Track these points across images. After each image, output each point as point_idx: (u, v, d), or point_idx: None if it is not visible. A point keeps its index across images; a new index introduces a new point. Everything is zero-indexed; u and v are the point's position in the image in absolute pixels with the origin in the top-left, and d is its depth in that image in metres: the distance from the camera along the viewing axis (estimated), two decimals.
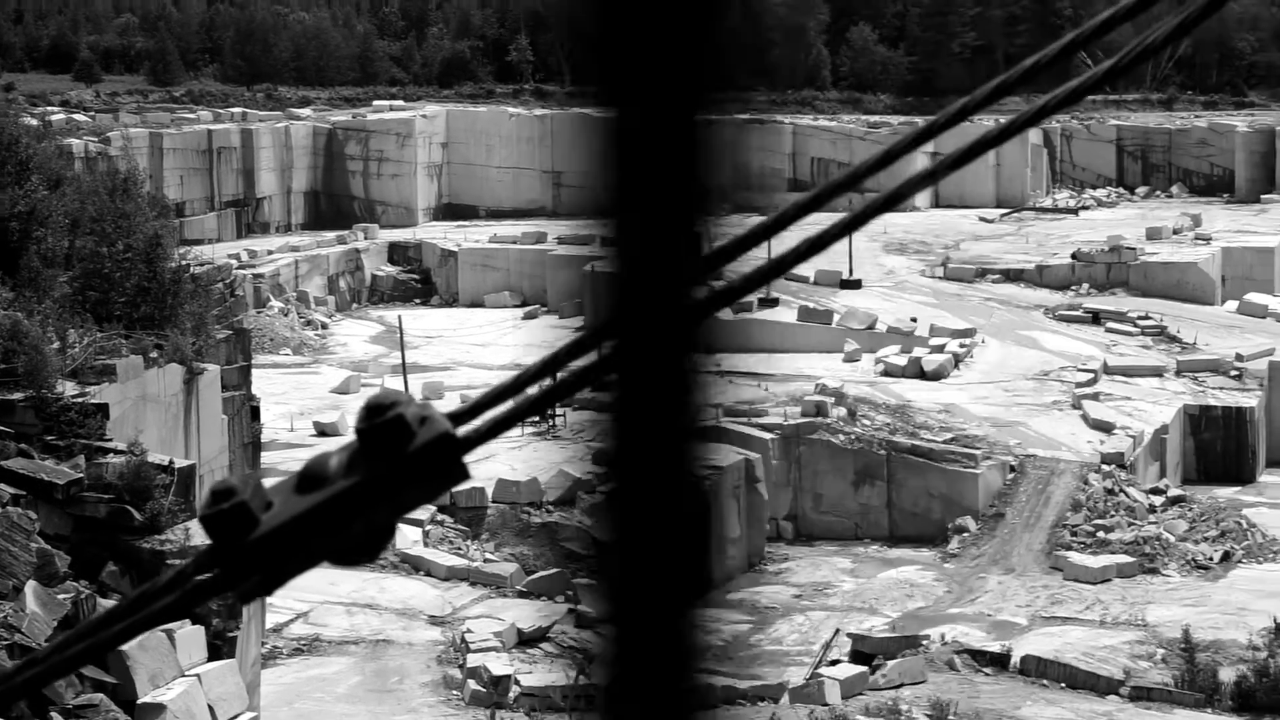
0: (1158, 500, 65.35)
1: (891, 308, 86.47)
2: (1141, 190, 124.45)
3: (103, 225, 42.47)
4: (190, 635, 30.24)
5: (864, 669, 48.23)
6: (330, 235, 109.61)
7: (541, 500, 58.31)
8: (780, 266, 1.90)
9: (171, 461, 33.82)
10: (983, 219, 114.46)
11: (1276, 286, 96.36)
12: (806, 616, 57.59)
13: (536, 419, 67.93)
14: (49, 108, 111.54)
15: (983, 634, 52.68)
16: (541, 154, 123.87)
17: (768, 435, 67.21)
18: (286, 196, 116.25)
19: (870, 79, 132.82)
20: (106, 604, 28.32)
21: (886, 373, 76.33)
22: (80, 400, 34.16)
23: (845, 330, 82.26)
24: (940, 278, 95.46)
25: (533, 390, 1.98)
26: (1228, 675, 47.44)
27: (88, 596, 28.96)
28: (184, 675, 29.92)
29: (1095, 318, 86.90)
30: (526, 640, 49.17)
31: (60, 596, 28.50)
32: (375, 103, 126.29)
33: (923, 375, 75.74)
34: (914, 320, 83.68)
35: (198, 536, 28.78)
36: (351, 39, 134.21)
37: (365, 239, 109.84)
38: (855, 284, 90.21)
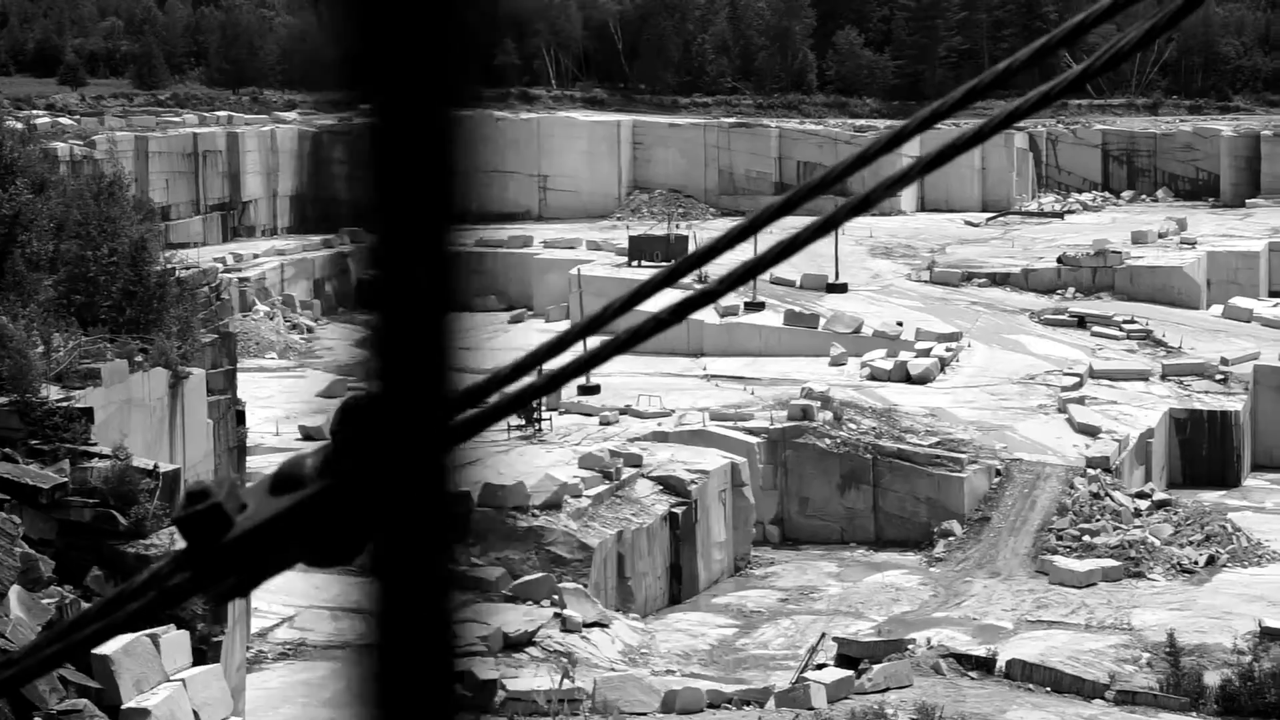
0: (1143, 504, 65.44)
1: (877, 311, 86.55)
2: (1127, 194, 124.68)
3: (88, 229, 42.40)
4: (175, 640, 30.18)
5: (850, 673, 48.22)
6: (316, 239, 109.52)
7: (527, 504, 58.26)
8: (754, 269, 1.91)
9: (157, 466, 33.75)
10: (969, 223, 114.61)
11: (1261, 290, 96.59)
12: (792, 620, 57.61)
13: (523, 423, 67.88)
14: (34, 111, 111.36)
15: (968, 638, 52.72)
16: (527, 158, 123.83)
17: (754, 439, 67.25)
18: (272, 200, 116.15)
19: (856, 83, 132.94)
20: None
21: (872, 376, 76.40)
22: (65, 404, 34.10)
23: (831, 334, 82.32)
24: (926, 281, 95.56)
25: (507, 391, 1.99)
26: (1213, 679, 47.47)
27: (72, 601, 28.90)
28: (169, 680, 29.85)
29: (1081, 321, 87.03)
30: (512, 645, 49.11)
31: (45, 601, 28.44)
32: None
33: (909, 379, 75.82)
34: (900, 324, 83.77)
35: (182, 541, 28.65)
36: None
37: (351, 243, 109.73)
38: (841, 288, 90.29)
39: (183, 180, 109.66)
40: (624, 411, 70.26)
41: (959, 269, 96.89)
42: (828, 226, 1.84)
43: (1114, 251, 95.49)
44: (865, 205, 1.89)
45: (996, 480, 65.97)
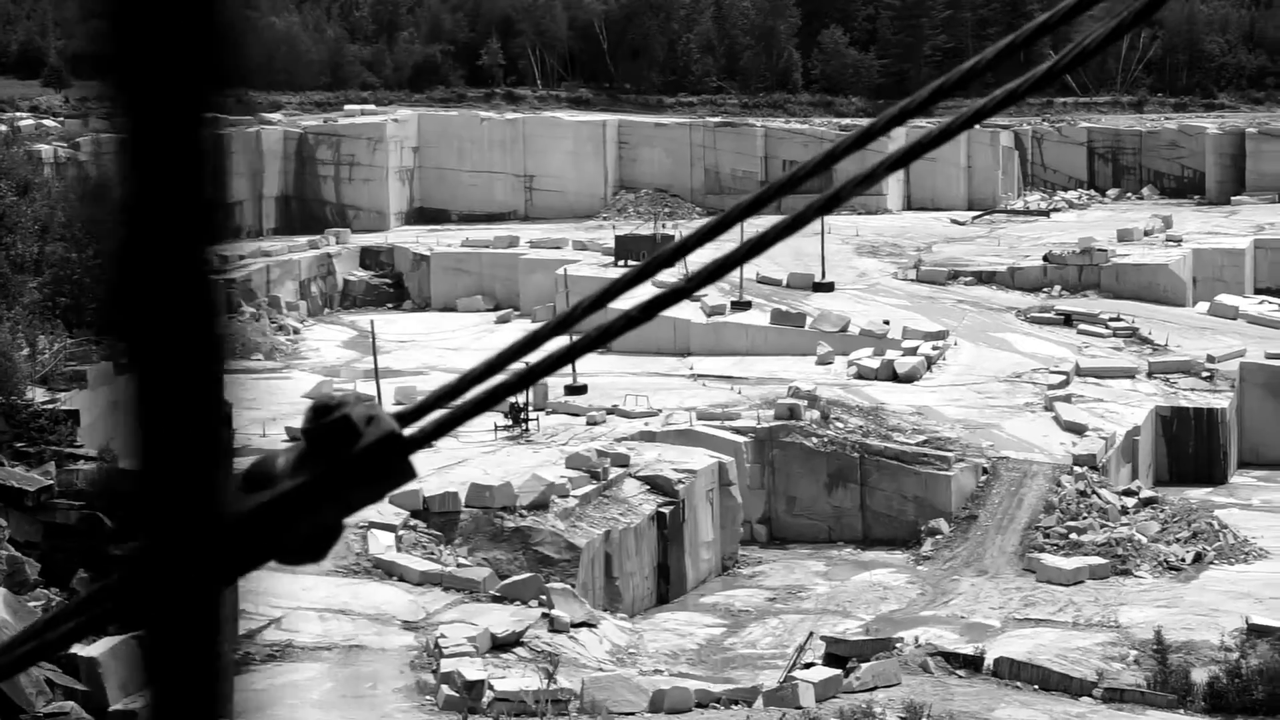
0: (1130, 502, 65.52)
1: (864, 310, 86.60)
2: (1113, 192, 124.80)
3: (73, 231, 42.34)
4: None
5: (838, 672, 48.26)
6: (302, 240, 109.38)
7: (515, 505, 58.24)
8: (722, 267, 1.92)
9: None
10: (955, 221, 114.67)
11: (1247, 288, 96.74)
12: (780, 620, 57.64)
13: (510, 423, 67.86)
14: (17, 113, 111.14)
15: (956, 636, 52.76)
16: (513, 158, 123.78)
17: (741, 438, 67.29)
18: (258, 201, 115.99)
19: (842, 82, 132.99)
20: None
21: (859, 375, 76.45)
22: (50, 407, 34.06)
23: (818, 333, 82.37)
24: (913, 280, 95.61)
25: (477, 390, 2.00)
26: (1200, 676, 47.56)
27: (58, 603, 28.86)
28: None
29: (1067, 320, 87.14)
30: (500, 645, 49.08)
31: (30, 604, 28.39)
32: (346, 107, 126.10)
33: (895, 378, 75.88)
34: (887, 323, 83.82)
35: None
36: (322, 43, 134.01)
37: (337, 244, 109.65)
38: (828, 287, 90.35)
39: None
40: (611, 411, 70.26)
41: (945, 267, 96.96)
42: (796, 224, 1.85)
43: (1100, 249, 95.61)
44: (834, 203, 1.90)
45: (983, 478, 66.04)
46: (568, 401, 71.76)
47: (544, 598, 52.51)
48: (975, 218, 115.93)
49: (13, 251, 40.24)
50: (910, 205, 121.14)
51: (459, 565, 55.94)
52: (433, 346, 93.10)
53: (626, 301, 2.09)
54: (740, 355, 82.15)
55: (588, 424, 68.85)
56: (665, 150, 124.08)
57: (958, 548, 63.02)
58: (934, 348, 79.76)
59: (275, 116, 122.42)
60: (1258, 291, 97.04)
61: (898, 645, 50.93)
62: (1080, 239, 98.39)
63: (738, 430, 67.85)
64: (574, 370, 73.94)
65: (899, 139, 1.93)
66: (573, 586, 54.36)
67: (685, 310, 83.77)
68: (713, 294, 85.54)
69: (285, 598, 51.58)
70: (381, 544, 55.96)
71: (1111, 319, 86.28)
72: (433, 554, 56.55)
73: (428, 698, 45.87)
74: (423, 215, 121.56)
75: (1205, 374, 78.12)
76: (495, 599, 53.09)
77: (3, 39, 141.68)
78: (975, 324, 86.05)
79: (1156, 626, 50.62)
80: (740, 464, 65.89)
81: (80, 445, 33.92)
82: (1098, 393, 74.96)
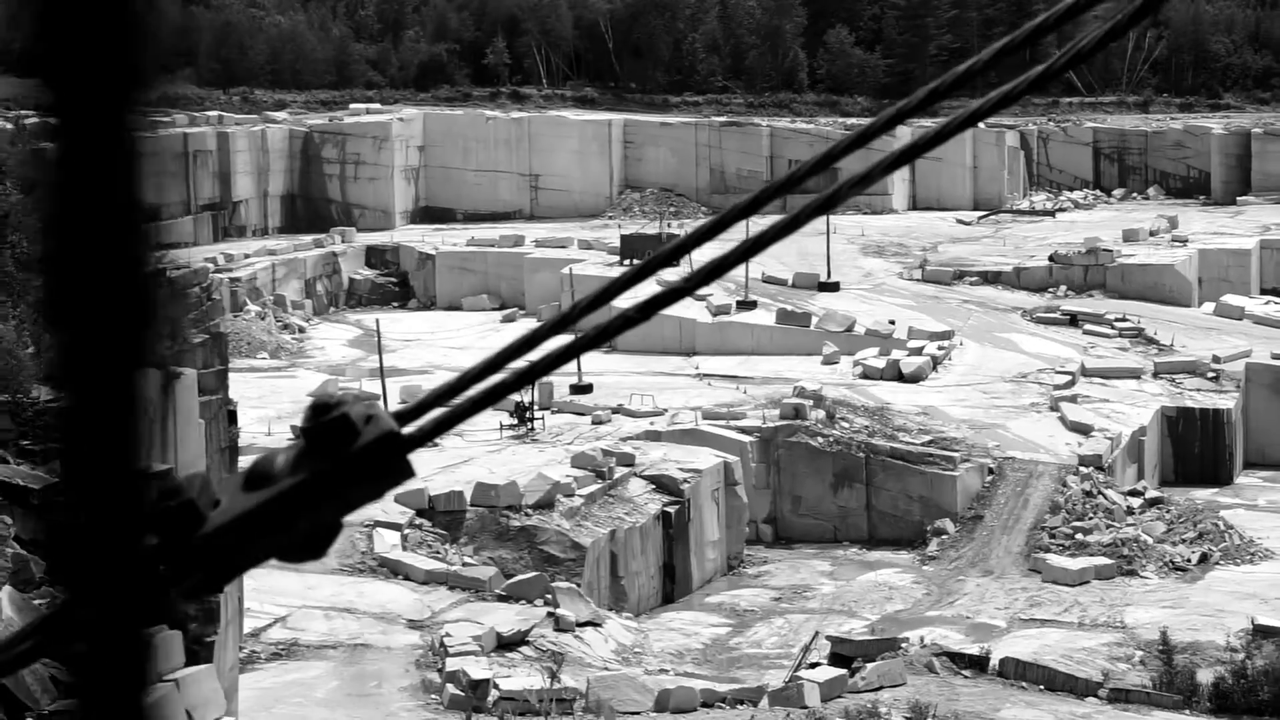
0: (1136, 502, 65.49)
1: (870, 310, 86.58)
2: (1118, 192, 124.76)
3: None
4: (168, 640, 30.17)
5: (843, 672, 48.27)
6: (307, 239, 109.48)
7: (520, 504, 58.26)
8: (719, 268, 1.93)
9: (149, 467, 33.68)
10: (960, 221, 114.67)
11: (1253, 288, 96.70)
12: (786, 619, 57.64)
13: (515, 422, 67.89)
14: (23, 111, 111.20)
15: (961, 636, 52.77)
16: (519, 157, 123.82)
17: (746, 438, 67.29)
18: (263, 200, 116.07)
19: (847, 81, 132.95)
20: None
21: (865, 375, 76.44)
22: (56, 405, 34.04)
23: (823, 333, 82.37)
24: (918, 280, 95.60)
25: (475, 390, 2.01)
26: (1205, 677, 47.55)
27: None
28: (161, 680, 29.86)
29: (1073, 320, 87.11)
30: (505, 644, 49.09)
31: (36, 602, 28.43)
32: (352, 106, 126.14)
33: (901, 377, 75.85)
34: (892, 322, 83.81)
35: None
36: (327, 42, 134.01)
37: (342, 242, 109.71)
38: (833, 286, 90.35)
39: (173, 180, 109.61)
40: (616, 411, 70.28)
41: (951, 267, 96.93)
42: (793, 225, 1.86)
43: (1105, 249, 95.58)
44: (830, 204, 1.91)
45: (989, 479, 66.01)
46: (573, 401, 71.80)
47: (549, 597, 52.52)
48: (981, 218, 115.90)
49: (18, 250, 40.27)
50: (916, 205, 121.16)
51: (464, 564, 55.96)
52: (438, 345, 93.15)
53: (626, 301, 2.10)
54: (746, 355, 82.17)
55: (593, 423, 68.87)
56: (670, 150, 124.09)
57: (963, 548, 63.01)
58: (939, 348, 79.74)
59: (281, 115, 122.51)
60: (1263, 292, 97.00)
61: (903, 645, 50.94)
62: (1086, 239, 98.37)
63: (743, 430, 67.85)
64: (579, 370, 73.97)
65: (904, 139, 1.94)
66: (578, 586, 54.37)
67: (691, 310, 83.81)
68: (718, 294, 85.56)
69: (291, 596, 51.64)
70: (387, 543, 56.00)
71: (1117, 319, 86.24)
72: (438, 553, 56.58)
73: (433, 696, 45.89)
74: (428, 214, 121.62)
75: (1211, 374, 78.08)
76: (500, 598, 53.12)
77: (6, 37, 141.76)
78: (980, 324, 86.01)
79: (1162, 627, 50.60)
80: (745, 463, 65.89)
81: None
82: (1103, 393, 74.93)
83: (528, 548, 57.03)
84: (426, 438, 1.96)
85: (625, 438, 65.97)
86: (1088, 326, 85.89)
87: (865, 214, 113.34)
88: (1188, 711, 46.65)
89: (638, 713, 45.36)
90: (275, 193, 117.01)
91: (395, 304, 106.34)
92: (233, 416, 48.69)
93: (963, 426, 69.40)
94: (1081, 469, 66.31)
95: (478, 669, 46.40)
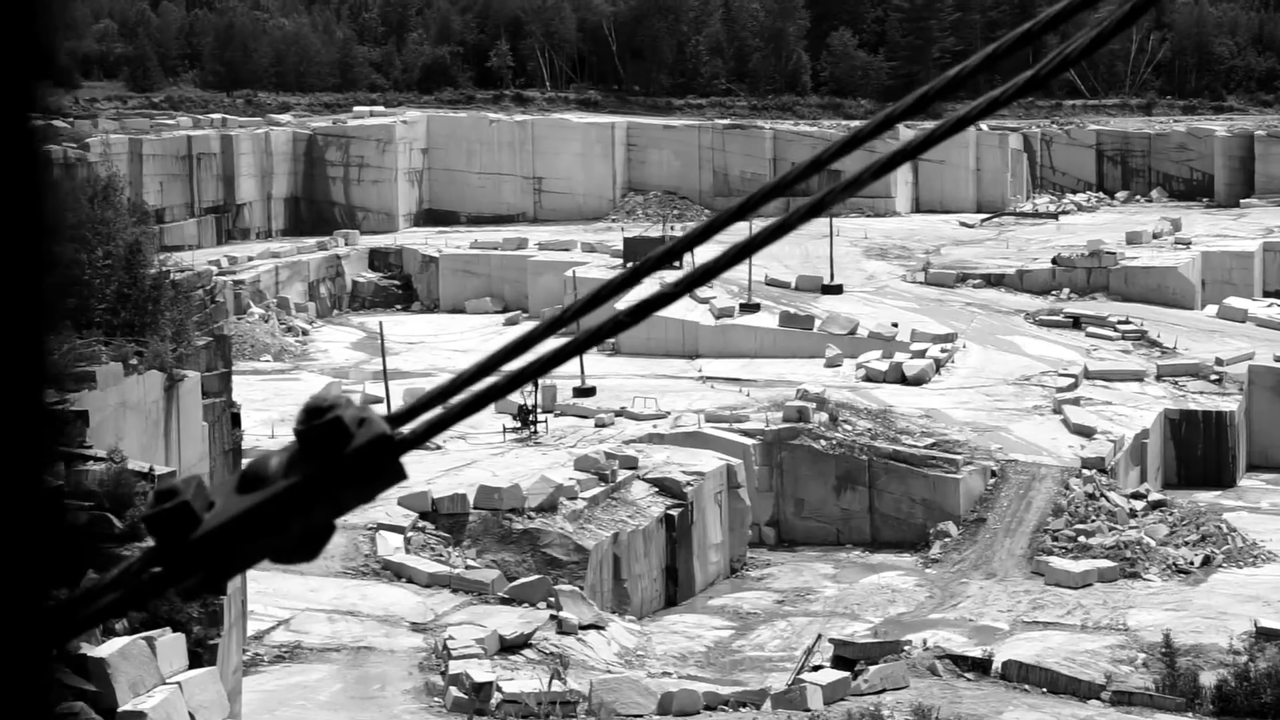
0: (1139, 505, 65.48)
1: (873, 313, 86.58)
2: (1121, 195, 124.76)
3: (82, 232, 42.41)
4: (171, 643, 30.19)
5: (846, 674, 48.26)
6: (311, 241, 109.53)
7: (523, 507, 58.27)
8: (710, 271, 1.94)
9: (152, 469, 33.76)
10: (963, 224, 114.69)
11: (1256, 290, 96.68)
12: (789, 622, 57.64)
13: (518, 425, 67.90)
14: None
15: (964, 639, 52.76)
16: (522, 160, 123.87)
17: (749, 441, 67.28)
18: (267, 202, 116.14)
19: (850, 84, 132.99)
20: None
21: (868, 378, 76.44)
22: (59, 407, 34.10)
23: (826, 335, 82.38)
24: (921, 283, 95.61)
25: (469, 392, 2.02)
26: (1208, 679, 47.52)
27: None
28: (164, 683, 29.86)
29: (1076, 322, 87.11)
30: (508, 647, 49.09)
31: None
32: (356, 108, 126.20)
33: (904, 380, 75.85)
34: (895, 325, 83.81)
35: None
36: (331, 45, 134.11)
37: (346, 245, 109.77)
38: (836, 289, 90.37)
39: (177, 183, 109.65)
40: (619, 413, 70.28)
41: (954, 270, 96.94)
42: (783, 228, 1.88)
43: (1109, 252, 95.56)
44: (821, 206, 1.93)
45: (992, 481, 66.01)
46: (576, 404, 71.82)
47: (552, 600, 52.53)
48: (984, 220, 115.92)
49: None
50: (919, 208, 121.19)
51: (467, 567, 55.97)
52: (441, 348, 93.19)
53: (625, 303, 2.12)
54: (749, 357, 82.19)
55: (596, 426, 68.87)
56: (674, 152, 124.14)
57: (966, 550, 63.00)
58: (942, 350, 79.74)
59: (284, 118, 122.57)
60: (1266, 294, 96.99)
61: (906, 648, 50.94)
62: (1089, 241, 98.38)
63: (746, 432, 67.85)
64: (582, 373, 74.00)
65: (906, 140, 1.94)
66: (581, 588, 54.38)
67: (694, 313, 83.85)
68: (721, 296, 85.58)
69: (294, 599, 51.66)
70: (390, 546, 56.02)
71: (1120, 322, 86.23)
72: (441, 556, 56.59)
73: (436, 699, 45.90)
74: (431, 217, 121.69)
75: (1214, 377, 78.06)
76: (503, 601, 53.12)
77: None
78: (984, 326, 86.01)
79: (1165, 629, 50.59)
80: (749, 466, 65.89)
81: (89, 446, 33.96)
82: (1106, 395, 74.91)
83: (530, 550, 57.04)
84: (419, 440, 1.97)
85: (628, 440, 65.98)
86: (1090, 329, 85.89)
87: (868, 217, 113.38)
88: (1190, 714, 46.63)
89: (640, 715, 45.36)
90: (279, 195, 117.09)
91: (398, 307, 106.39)
92: (236, 419, 48.73)
93: (965, 429, 69.39)
94: (1084, 471, 66.30)
95: (481, 672, 46.40)
